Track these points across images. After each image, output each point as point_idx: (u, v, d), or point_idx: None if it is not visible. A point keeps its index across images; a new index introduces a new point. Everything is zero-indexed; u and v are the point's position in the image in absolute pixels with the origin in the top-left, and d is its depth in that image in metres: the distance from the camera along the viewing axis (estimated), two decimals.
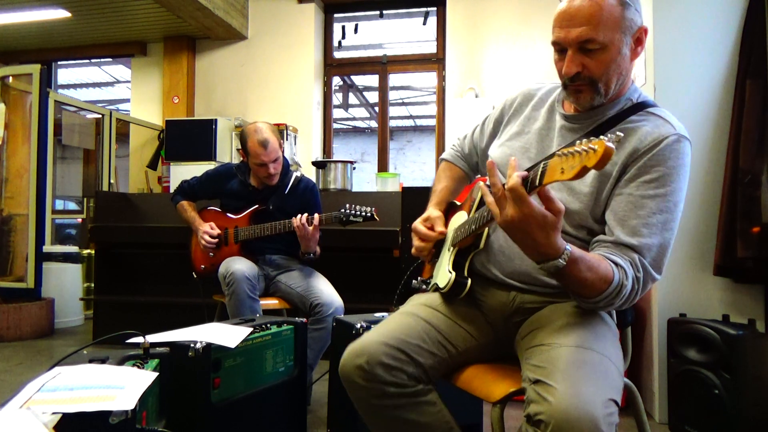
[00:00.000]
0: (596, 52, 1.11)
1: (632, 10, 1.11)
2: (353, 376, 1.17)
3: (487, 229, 1.25)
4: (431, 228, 1.38)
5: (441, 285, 1.28)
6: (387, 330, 1.22)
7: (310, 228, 2.29)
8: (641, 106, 1.18)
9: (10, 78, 4.35)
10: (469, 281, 1.26)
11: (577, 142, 0.85)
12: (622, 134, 0.83)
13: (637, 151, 1.12)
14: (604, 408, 0.92)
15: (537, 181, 0.93)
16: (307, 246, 2.37)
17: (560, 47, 1.15)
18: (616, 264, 1.06)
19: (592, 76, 1.13)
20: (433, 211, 1.44)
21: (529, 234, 0.96)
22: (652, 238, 1.08)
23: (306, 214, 2.30)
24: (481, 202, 1.28)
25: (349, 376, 1.19)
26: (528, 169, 0.97)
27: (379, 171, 5.27)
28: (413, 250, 1.42)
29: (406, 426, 1.17)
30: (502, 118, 1.41)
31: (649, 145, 1.10)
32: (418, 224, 1.40)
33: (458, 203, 1.49)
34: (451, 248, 1.31)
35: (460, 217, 1.36)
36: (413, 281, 1.50)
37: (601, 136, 0.82)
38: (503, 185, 0.97)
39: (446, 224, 1.43)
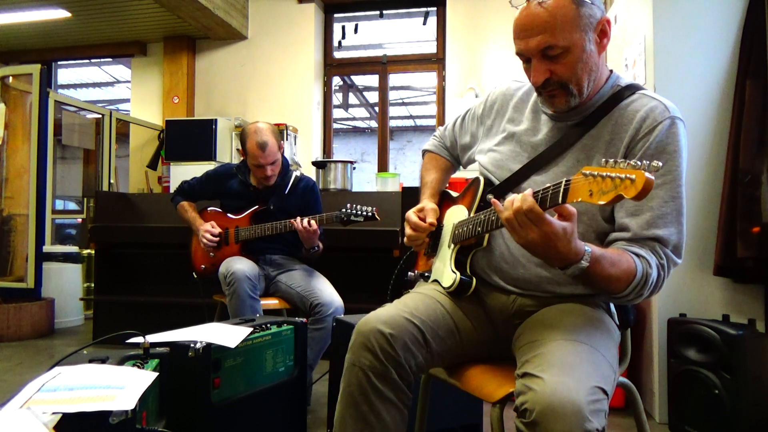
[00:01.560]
0: (560, 56, 1.11)
1: (588, 6, 1.10)
2: (370, 340, 1.12)
3: None
4: (424, 219, 1.38)
5: (446, 285, 1.28)
6: (409, 308, 1.20)
7: (311, 230, 2.30)
8: (629, 89, 1.18)
9: (10, 78, 4.35)
10: (474, 281, 1.26)
11: (604, 161, 0.84)
12: (660, 164, 0.80)
13: (634, 139, 1.12)
14: (589, 395, 0.92)
15: (559, 199, 0.91)
16: (310, 243, 2.39)
17: (525, 57, 1.16)
18: (637, 255, 1.07)
19: (561, 80, 1.13)
20: (427, 203, 1.44)
21: (552, 248, 0.96)
22: (669, 228, 1.09)
23: (307, 218, 2.31)
24: (483, 202, 1.28)
25: (366, 337, 1.13)
26: (545, 188, 0.96)
27: (379, 171, 5.27)
28: (405, 239, 1.42)
29: (376, 423, 1.11)
30: (484, 119, 1.41)
31: (646, 130, 1.11)
32: (411, 214, 1.41)
33: (452, 193, 1.49)
34: (452, 246, 1.31)
35: (458, 212, 1.35)
36: (409, 273, 1.50)
37: (636, 162, 0.79)
38: (518, 208, 0.95)
39: (442, 216, 1.43)
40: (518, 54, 1.16)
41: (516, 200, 0.97)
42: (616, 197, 0.80)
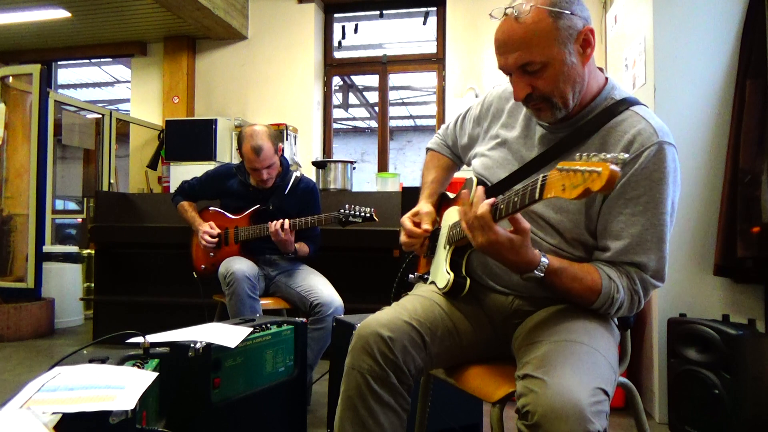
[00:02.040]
0: (540, 72, 1.08)
1: (567, 17, 1.06)
2: (370, 344, 1.13)
3: None
4: (419, 225, 1.37)
5: (440, 285, 1.28)
6: (408, 311, 1.21)
7: (282, 234, 2.31)
8: (622, 104, 1.15)
9: (10, 78, 4.35)
10: (468, 281, 1.26)
11: (577, 155, 0.84)
12: (627, 155, 0.81)
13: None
14: (591, 396, 0.92)
15: (536, 195, 0.92)
16: (284, 249, 2.40)
17: (506, 72, 1.14)
18: (609, 277, 1.09)
19: (543, 94, 1.11)
20: (424, 205, 1.42)
21: (501, 255, 1.04)
22: (649, 255, 1.09)
23: (281, 221, 2.32)
24: None
25: (365, 341, 1.14)
26: (524, 186, 0.97)
27: (379, 171, 5.27)
28: (402, 246, 1.41)
29: (374, 427, 1.11)
30: (481, 121, 1.41)
31: (631, 156, 1.07)
32: (406, 219, 1.40)
33: (450, 195, 1.48)
34: (447, 246, 1.31)
35: (453, 213, 1.35)
36: (410, 275, 1.50)
37: (605, 155, 0.80)
38: (474, 212, 1.02)
39: (440, 216, 1.43)
40: (500, 69, 1.15)
41: (474, 204, 1.01)
42: (585, 191, 0.81)
